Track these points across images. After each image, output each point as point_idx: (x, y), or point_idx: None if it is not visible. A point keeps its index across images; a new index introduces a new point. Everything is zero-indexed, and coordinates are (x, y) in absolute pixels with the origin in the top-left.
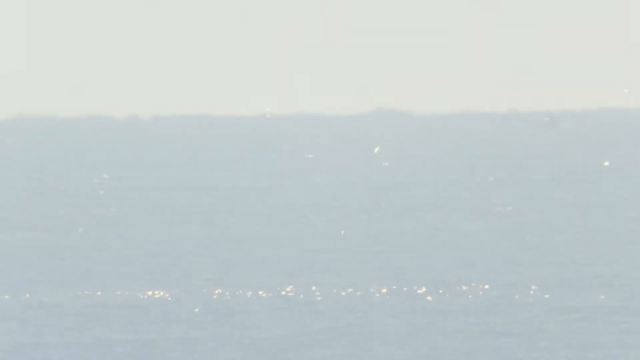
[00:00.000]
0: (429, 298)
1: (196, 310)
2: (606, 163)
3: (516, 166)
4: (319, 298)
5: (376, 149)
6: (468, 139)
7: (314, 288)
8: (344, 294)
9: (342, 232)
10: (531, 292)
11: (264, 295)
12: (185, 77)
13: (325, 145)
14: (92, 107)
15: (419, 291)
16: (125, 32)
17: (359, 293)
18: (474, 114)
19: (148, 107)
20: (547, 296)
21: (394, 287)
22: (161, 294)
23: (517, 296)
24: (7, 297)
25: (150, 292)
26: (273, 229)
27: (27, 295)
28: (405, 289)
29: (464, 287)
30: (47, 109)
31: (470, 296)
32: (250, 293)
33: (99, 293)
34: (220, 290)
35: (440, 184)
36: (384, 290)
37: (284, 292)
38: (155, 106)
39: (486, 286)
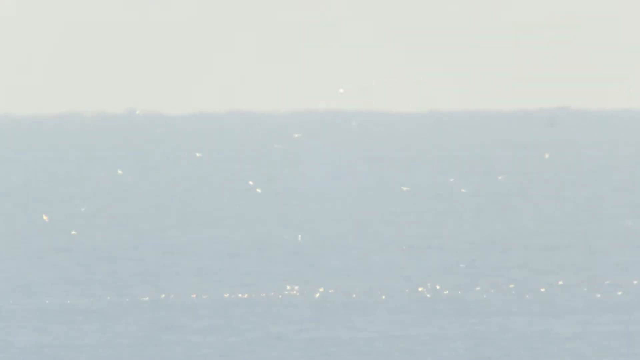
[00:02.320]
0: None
1: (196, 311)
2: (605, 163)
3: (515, 166)
4: (317, 299)
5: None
6: (467, 139)
7: (312, 289)
8: (354, 295)
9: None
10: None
11: (264, 296)
12: (184, 76)
13: (324, 144)
14: (93, 106)
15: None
16: (126, 32)
17: (353, 293)
18: (473, 114)
19: (147, 107)
20: (540, 294)
21: (394, 287)
22: (162, 295)
23: (513, 296)
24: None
25: (154, 294)
26: (271, 230)
27: (33, 299)
28: (405, 289)
29: (459, 290)
30: (47, 108)
31: (459, 293)
32: (253, 294)
33: (108, 297)
34: (226, 292)
35: (438, 184)
36: (378, 290)
37: (284, 294)
38: (154, 106)
39: (479, 287)
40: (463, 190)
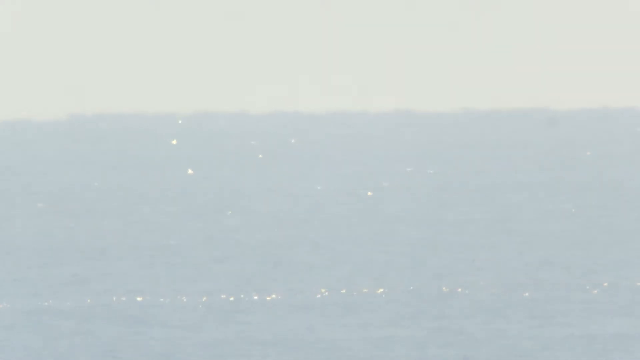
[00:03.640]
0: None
1: (194, 314)
2: (605, 164)
3: (515, 166)
4: (318, 301)
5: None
6: (467, 139)
7: (309, 292)
8: (352, 296)
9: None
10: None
11: (262, 298)
12: (184, 76)
13: (324, 145)
14: (93, 107)
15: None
16: (125, 32)
17: (354, 293)
18: (472, 113)
19: (148, 107)
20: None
21: (392, 289)
22: (160, 298)
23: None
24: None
25: (148, 297)
26: (272, 232)
27: (25, 302)
28: (399, 289)
29: (459, 289)
30: (46, 109)
31: (467, 292)
32: (255, 297)
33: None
34: (223, 295)
35: (438, 184)
36: (380, 291)
37: (280, 296)
38: (155, 106)
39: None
40: (459, 189)
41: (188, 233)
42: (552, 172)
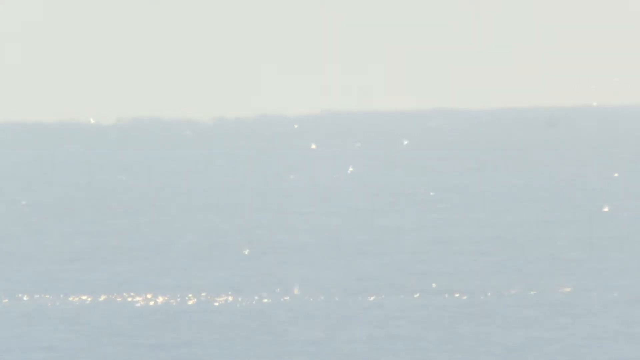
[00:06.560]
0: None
1: (200, 317)
2: (605, 163)
3: (515, 165)
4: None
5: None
6: (468, 138)
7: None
8: (354, 299)
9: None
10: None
11: (267, 301)
12: (184, 77)
13: (325, 145)
14: (93, 109)
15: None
16: (123, 35)
17: (357, 298)
18: (472, 113)
19: (148, 109)
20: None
21: (391, 292)
22: (159, 299)
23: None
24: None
25: (148, 297)
26: (271, 232)
27: (25, 299)
28: (402, 293)
29: (457, 295)
30: (46, 112)
31: (464, 297)
32: (254, 299)
33: (96, 298)
34: (224, 296)
35: (439, 184)
36: (382, 296)
37: (285, 299)
38: (155, 108)
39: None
40: (462, 189)
41: (175, 233)
42: (551, 171)
